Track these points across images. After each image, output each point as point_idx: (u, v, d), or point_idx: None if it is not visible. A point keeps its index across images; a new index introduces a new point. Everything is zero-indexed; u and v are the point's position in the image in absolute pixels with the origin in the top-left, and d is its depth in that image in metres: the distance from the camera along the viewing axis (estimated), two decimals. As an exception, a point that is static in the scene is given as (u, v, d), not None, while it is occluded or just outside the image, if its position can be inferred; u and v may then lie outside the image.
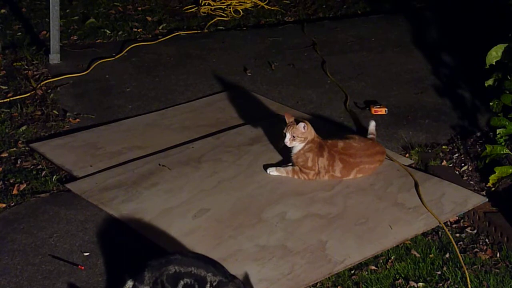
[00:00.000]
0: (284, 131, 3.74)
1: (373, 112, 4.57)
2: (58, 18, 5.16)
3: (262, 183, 3.78)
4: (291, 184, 3.78)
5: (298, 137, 3.73)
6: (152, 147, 4.14)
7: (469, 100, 4.66)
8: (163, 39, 5.81)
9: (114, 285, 2.96)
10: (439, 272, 3.18)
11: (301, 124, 3.72)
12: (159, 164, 3.92)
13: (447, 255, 3.29)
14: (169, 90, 4.95)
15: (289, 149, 3.81)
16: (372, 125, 4.08)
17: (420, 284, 3.10)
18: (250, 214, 3.51)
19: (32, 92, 4.77)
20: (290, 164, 3.84)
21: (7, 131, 4.32)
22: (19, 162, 4.00)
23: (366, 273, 3.16)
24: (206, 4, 6.62)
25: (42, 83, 4.87)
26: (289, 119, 3.77)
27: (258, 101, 4.73)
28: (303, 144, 3.76)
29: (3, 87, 4.87)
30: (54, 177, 3.84)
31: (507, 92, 3.95)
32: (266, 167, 3.88)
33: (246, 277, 3.01)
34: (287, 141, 3.73)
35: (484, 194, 3.69)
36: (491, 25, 4.72)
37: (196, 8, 6.62)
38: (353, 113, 4.55)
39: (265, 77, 5.17)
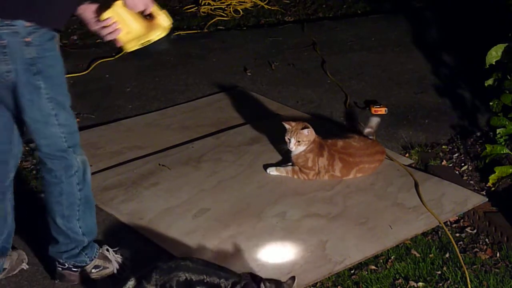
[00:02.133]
0: (288, 137, 3.73)
1: (373, 112, 4.57)
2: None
3: (262, 183, 3.78)
4: (291, 184, 3.78)
5: (303, 141, 3.73)
6: (152, 147, 4.14)
7: (469, 100, 4.66)
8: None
9: (115, 284, 2.96)
10: (439, 272, 3.18)
11: (305, 130, 3.71)
12: (159, 164, 3.92)
13: (447, 255, 3.29)
14: (169, 90, 4.96)
15: (289, 149, 3.81)
16: (374, 121, 4.06)
17: (420, 284, 3.10)
18: (250, 214, 3.51)
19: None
20: (290, 164, 3.84)
21: (7, 131, 4.32)
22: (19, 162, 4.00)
23: (366, 272, 3.17)
24: (206, 4, 6.63)
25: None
26: (290, 125, 3.75)
27: (258, 101, 4.74)
28: (305, 147, 3.76)
29: (3, 87, 4.87)
30: (54, 177, 3.83)
31: (507, 92, 3.95)
32: (266, 167, 3.88)
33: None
34: (292, 146, 3.73)
35: (484, 194, 3.69)
36: (491, 25, 4.71)
37: (196, 8, 6.63)
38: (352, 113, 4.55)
39: (265, 77, 5.17)
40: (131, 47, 2.72)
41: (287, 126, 3.76)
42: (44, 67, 2.63)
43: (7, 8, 2.51)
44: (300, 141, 3.72)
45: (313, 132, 3.77)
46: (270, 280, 2.69)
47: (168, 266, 2.67)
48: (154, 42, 2.72)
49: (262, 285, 2.63)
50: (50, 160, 2.78)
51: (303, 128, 3.71)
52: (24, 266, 3.12)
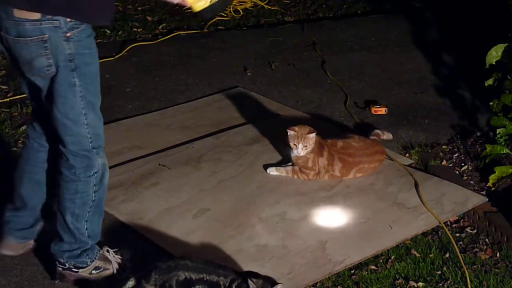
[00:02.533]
0: (295, 143, 3.72)
1: (373, 112, 4.57)
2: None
3: (262, 183, 3.78)
4: (291, 184, 3.78)
5: (310, 145, 3.73)
6: (152, 147, 4.14)
7: (469, 100, 4.66)
8: (163, 39, 5.81)
9: (115, 284, 2.96)
10: (439, 272, 3.18)
11: (311, 134, 3.71)
12: (159, 164, 3.92)
13: (447, 255, 3.29)
14: (169, 90, 4.95)
15: (289, 150, 3.80)
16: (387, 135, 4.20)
17: (420, 284, 3.10)
18: (250, 214, 3.51)
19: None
20: (290, 164, 3.84)
21: (7, 131, 4.32)
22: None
23: (366, 272, 3.17)
24: (206, 4, 6.62)
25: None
26: (294, 130, 3.74)
27: (258, 101, 4.74)
28: (311, 149, 3.76)
29: (3, 87, 4.87)
30: (54, 177, 3.84)
31: (507, 92, 3.95)
32: (266, 167, 3.88)
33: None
34: (301, 151, 3.72)
35: (484, 194, 3.69)
36: (491, 25, 4.71)
37: (196, 8, 6.62)
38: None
39: (265, 77, 5.17)
40: (200, 6, 2.72)
41: (291, 132, 3.73)
42: (81, 64, 2.65)
43: (49, 4, 2.54)
44: (307, 146, 3.73)
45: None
46: (258, 276, 2.69)
47: (167, 266, 2.67)
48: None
49: (249, 280, 2.64)
50: (73, 157, 2.79)
51: (308, 133, 3.71)
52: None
